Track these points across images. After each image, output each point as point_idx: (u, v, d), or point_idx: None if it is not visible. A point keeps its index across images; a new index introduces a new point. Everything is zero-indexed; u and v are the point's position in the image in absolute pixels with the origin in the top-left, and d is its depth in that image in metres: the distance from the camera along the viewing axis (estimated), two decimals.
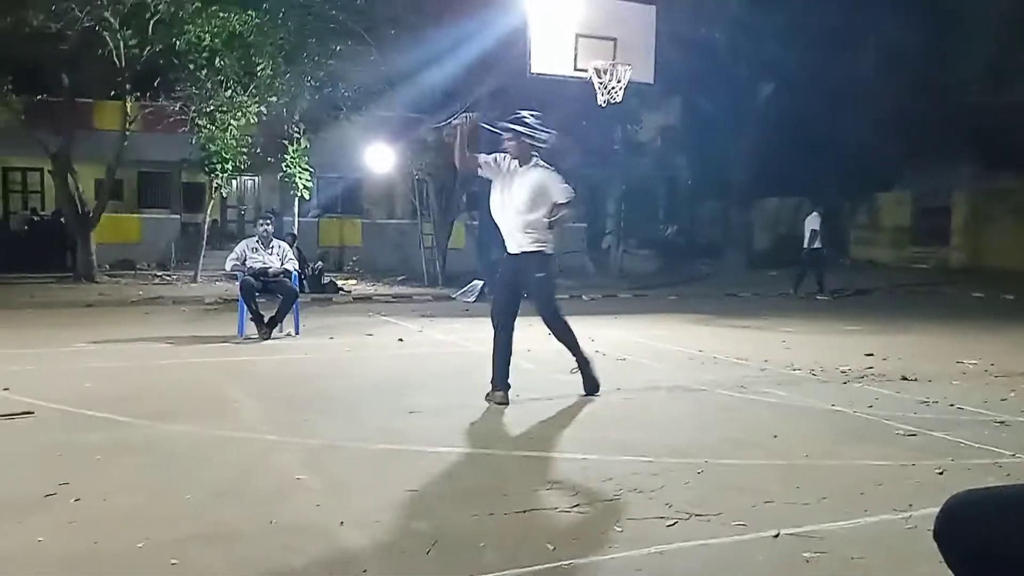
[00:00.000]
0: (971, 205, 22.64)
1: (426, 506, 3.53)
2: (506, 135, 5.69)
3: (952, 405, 5.67)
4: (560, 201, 5.55)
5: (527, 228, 5.61)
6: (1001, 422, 5.16)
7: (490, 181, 5.89)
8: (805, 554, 3.05)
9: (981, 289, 15.95)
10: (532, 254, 5.63)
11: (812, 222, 15.08)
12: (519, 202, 5.60)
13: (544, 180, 5.60)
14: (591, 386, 5.86)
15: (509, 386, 5.62)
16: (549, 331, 5.80)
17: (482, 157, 5.79)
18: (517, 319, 5.77)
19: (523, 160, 5.65)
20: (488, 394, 5.63)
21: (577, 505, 3.55)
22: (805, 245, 15.19)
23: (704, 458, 4.28)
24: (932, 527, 1.82)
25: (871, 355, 7.79)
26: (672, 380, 6.62)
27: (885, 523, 3.39)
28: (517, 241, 5.68)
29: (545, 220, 5.56)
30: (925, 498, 3.55)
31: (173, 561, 2.92)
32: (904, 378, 6.66)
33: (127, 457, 4.24)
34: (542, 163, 5.68)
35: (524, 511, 3.47)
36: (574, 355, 5.84)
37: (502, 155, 5.74)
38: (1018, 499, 1.75)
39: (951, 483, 3.61)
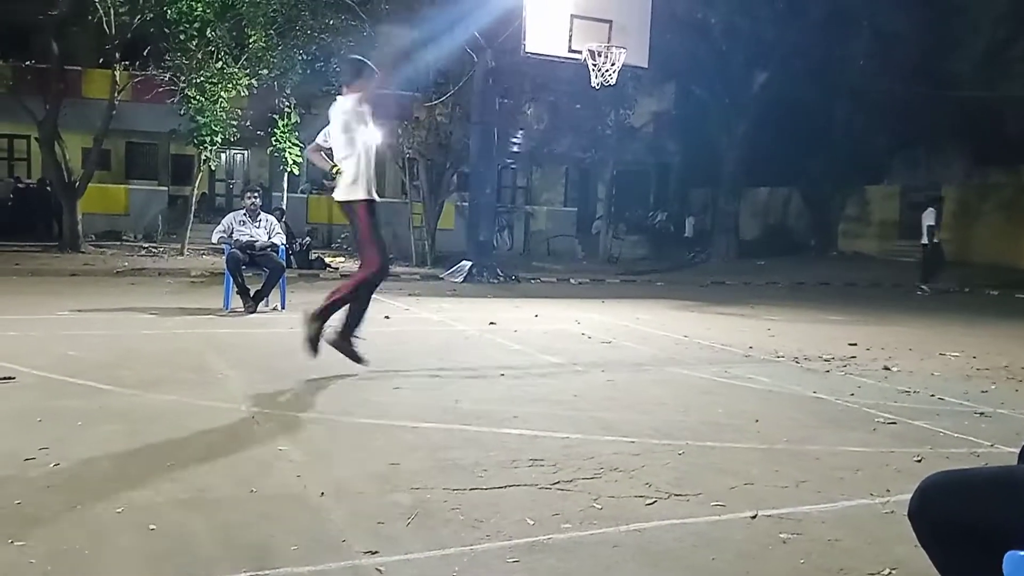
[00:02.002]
0: (960, 200, 22.74)
1: (407, 479, 3.53)
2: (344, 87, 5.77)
3: (933, 395, 5.71)
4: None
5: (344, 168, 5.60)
6: (981, 413, 5.21)
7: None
8: (782, 535, 3.08)
9: (967, 284, 16.03)
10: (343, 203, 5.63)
11: (928, 217, 14.88)
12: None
13: (335, 106, 5.63)
14: (312, 343, 5.56)
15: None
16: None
17: (316, 144, 5.86)
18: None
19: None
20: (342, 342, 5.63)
21: (557, 482, 3.56)
22: (923, 240, 14.96)
23: (685, 440, 4.31)
24: (907, 511, 1.84)
25: (854, 345, 7.84)
26: (657, 364, 6.64)
27: (862, 507, 3.42)
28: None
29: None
30: (902, 484, 3.58)
31: (152, 526, 2.92)
32: (886, 368, 6.70)
33: (108, 424, 4.22)
34: (358, 98, 5.68)
35: (505, 487, 3.48)
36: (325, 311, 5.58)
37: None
38: (989, 479, 1.77)
39: (929, 470, 3.61)
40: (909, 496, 1.92)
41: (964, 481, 1.82)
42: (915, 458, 4.13)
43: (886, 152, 23.71)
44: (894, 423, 4.87)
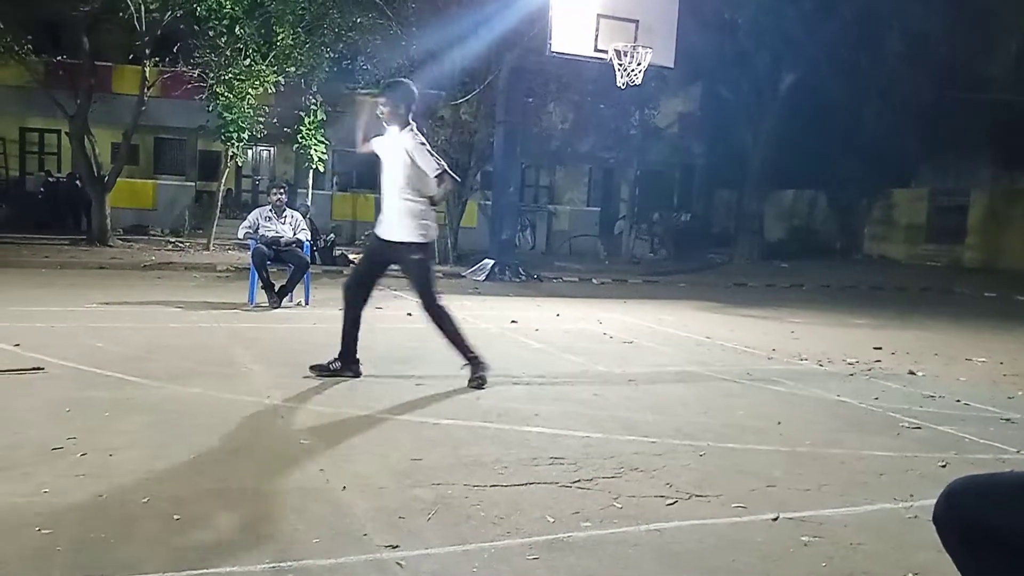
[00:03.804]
0: (988, 204, 22.44)
1: (428, 475, 3.55)
2: (381, 99, 5.28)
3: (959, 401, 5.65)
4: (431, 175, 5.15)
5: (404, 208, 5.21)
6: (1007, 419, 5.15)
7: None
8: (804, 538, 3.06)
9: (995, 289, 15.83)
10: (407, 244, 5.25)
11: None
12: (396, 174, 5.23)
13: (411, 147, 5.16)
14: (477, 381, 5.29)
15: (358, 362, 5.48)
16: (429, 320, 5.43)
17: (373, 142, 5.43)
18: (369, 299, 5.59)
19: (399, 125, 5.24)
20: (329, 366, 5.44)
21: (578, 481, 3.56)
22: None
23: (707, 441, 4.29)
24: (932, 515, 1.82)
25: (879, 348, 7.76)
26: (678, 364, 6.62)
27: (885, 512, 3.39)
28: (393, 225, 5.28)
29: (423, 198, 5.21)
30: (927, 489, 3.55)
31: (176, 516, 2.96)
32: (911, 372, 6.63)
33: (135, 415, 4.28)
34: (414, 130, 5.26)
35: (525, 484, 3.49)
36: (457, 349, 5.37)
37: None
38: (1017, 484, 1.75)
39: (953, 476, 3.57)
40: (933, 501, 1.90)
41: (991, 485, 1.80)
42: (940, 463, 4.09)
43: (914, 155, 23.45)
44: (919, 428, 4.82)
